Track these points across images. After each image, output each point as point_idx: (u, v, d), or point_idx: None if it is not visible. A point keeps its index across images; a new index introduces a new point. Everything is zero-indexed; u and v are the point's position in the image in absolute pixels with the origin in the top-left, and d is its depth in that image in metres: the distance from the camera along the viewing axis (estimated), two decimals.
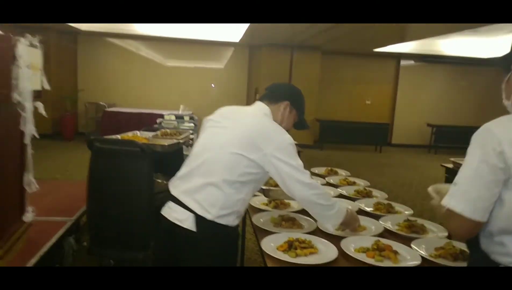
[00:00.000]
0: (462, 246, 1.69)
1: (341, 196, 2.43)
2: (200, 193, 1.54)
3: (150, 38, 9.50)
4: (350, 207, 2.02)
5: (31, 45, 2.23)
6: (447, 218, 1.18)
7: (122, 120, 7.67)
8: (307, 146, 9.79)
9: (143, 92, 9.94)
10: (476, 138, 1.15)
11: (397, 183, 6.61)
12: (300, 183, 1.57)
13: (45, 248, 2.29)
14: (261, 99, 1.78)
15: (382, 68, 10.95)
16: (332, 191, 2.51)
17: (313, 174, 3.02)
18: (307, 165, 3.31)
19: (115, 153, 2.60)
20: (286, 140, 1.58)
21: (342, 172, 3.16)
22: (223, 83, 10.31)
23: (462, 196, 1.14)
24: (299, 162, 1.59)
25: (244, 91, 10.43)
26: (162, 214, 1.63)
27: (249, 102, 10.37)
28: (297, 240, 1.62)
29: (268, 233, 1.75)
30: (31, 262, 2.13)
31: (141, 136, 3.03)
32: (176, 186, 1.63)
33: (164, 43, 9.72)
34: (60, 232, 2.56)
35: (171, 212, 1.59)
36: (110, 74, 9.79)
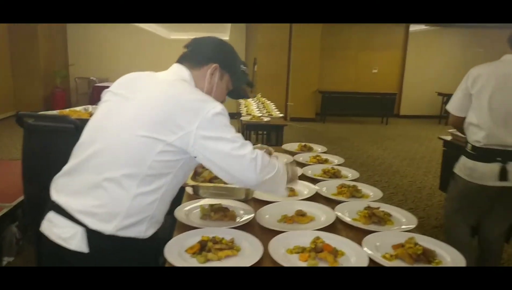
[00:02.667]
0: (429, 242, 1.34)
1: (304, 177, 2.07)
2: (92, 196, 1.12)
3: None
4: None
5: None
6: None
7: None
8: (307, 120, 9.38)
9: (139, 67, 9.52)
10: None
11: (398, 158, 6.18)
12: (244, 160, 1.16)
13: None
14: (179, 61, 1.34)
15: (390, 33, 10.26)
16: None
17: (283, 151, 2.66)
18: (305, 140, 2.91)
19: (47, 131, 2.27)
20: (213, 109, 1.15)
21: (318, 148, 2.78)
22: None
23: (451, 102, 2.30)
24: (236, 134, 1.18)
25: None
26: (41, 232, 1.19)
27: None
28: (214, 239, 1.28)
29: (187, 228, 1.42)
30: None
31: (85, 111, 2.68)
32: (59, 189, 1.20)
33: None
34: None
35: (52, 227, 1.16)
36: (103, 47, 9.39)
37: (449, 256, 1.28)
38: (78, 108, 2.86)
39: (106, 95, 1.29)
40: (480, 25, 9.52)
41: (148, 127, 1.12)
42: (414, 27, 10.19)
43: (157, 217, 1.21)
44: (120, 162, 1.12)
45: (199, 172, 1.62)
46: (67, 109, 2.62)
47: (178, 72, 1.30)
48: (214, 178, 1.56)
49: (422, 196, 4.35)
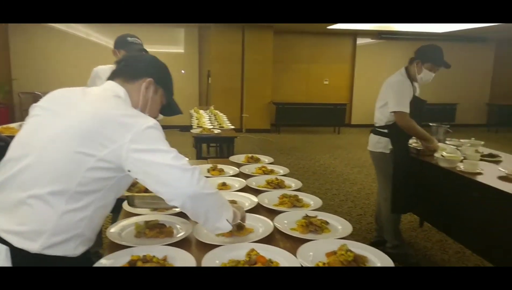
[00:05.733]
0: (361, 248, 1.37)
1: (247, 188, 2.07)
2: (16, 213, 1.08)
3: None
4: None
5: None
6: None
7: None
8: (263, 130, 9.47)
9: (86, 79, 9.23)
10: None
11: (348, 166, 6.37)
12: (181, 169, 1.13)
13: None
14: (112, 77, 1.31)
15: (339, 47, 10.66)
16: (238, 183, 2.15)
17: (230, 163, 2.66)
18: (260, 151, 2.99)
19: None
20: (145, 123, 1.13)
21: (265, 159, 2.80)
22: (174, 66, 9.72)
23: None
24: (171, 148, 1.16)
25: (196, 74, 9.89)
26: None
27: (201, 85, 9.89)
28: (144, 258, 1.23)
29: (119, 247, 1.36)
30: None
31: (19, 128, 2.55)
32: None
33: (109, 25, 8.97)
34: None
35: None
36: (48, 60, 8.97)
37: (379, 261, 1.32)
38: (12, 125, 2.72)
39: (34, 110, 1.24)
40: (420, 38, 10.12)
41: (77, 142, 1.08)
42: (361, 40, 10.64)
43: (87, 235, 1.17)
44: (47, 179, 1.08)
45: (133, 183, 1.57)
46: (0, 126, 2.48)
47: (112, 88, 1.28)
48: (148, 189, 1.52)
49: (370, 202, 4.49)
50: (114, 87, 1.28)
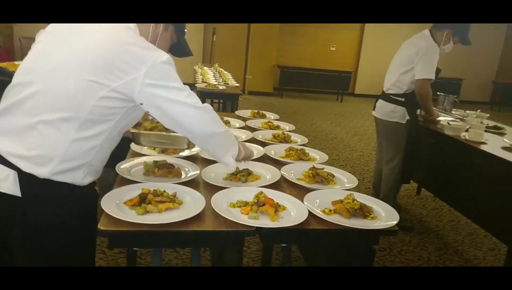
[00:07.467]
0: (366, 199, 1.39)
1: (254, 140, 2.07)
2: (25, 138, 1.06)
3: None
4: None
5: None
6: None
7: None
8: (265, 93, 9.38)
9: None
10: None
11: (349, 133, 6.37)
12: (194, 108, 1.15)
13: None
14: None
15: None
16: (244, 134, 2.15)
17: (236, 117, 2.65)
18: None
19: None
20: (160, 58, 1.10)
21: (271, 115, 2.79)
22: None
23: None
24: (183, 85, 1.15)
25: (201, 31, 9.66)
26: None
27: (205, 43, 9.69)
28: (155, 192, 1.25)
29: (128, 182, 1.38)
30: None
31: None
32: None
33: None
34: None
35: None
36: None
37: (384, 212, 1.34)
38: (17, 62, 2.67)
39: (41, 36, 1.19)
40: None
41: (90, 70, 1.05)
42: None
43: (95, 165, 1.16)
44: (57, 105, 1.06)
45: (139, 122, 1.56)
46: (5, 62, 2.44)
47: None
48: (154, 128, 1.52)
49: (368, 169, 4.54)
50: None
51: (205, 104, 1.20)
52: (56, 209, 1.08)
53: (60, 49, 1.11)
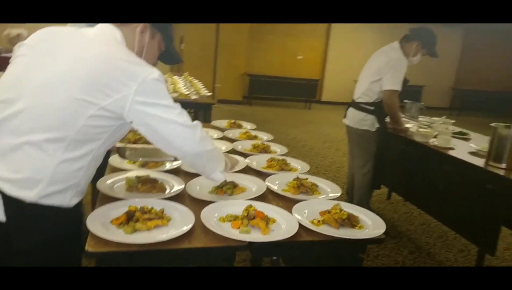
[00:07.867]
0: (352, 208, 1.42)
1: (234, 151, 2.06)
2: (9, 160, 1.01)
3: None
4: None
5: None
6: None
7: None
8: (235, 102, 9.39)
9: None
10: None
11: (319, 140, 6.49)
12: (184, 127, 1.13)
13: None
14: None
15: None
16: (224, 146, 2.13)
17: (213, 127, 2.63)
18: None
19: None
20: (151, 74, 1.07)
21: (247, 125, 2.79)
22: None
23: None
24: (174, 103, 1.12)
25: None
26: None
27: None
28: (142, 209, 1.22)
29: (110, 200, 1.33)
30: None
31: None
32: None
33: None
34: None
35: None
36: None
37: (370, 221, 1.37)
38: None
39: (21, 49, 1.12)
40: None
41: (79, 88, 1.01)
42: None
43: (82, 185, 1.12)
44: (43, 125, 1.01)
45: None
46: None
47: (109, 31, 1.16)
48: (138, 140, 1.48)
49: (341, 175, 4.63)
50: (111, 29, 1.17)
51: (196, 121, 1.18)
52: (41, 231, 1.03)
53: (46, 64, 1.05)
